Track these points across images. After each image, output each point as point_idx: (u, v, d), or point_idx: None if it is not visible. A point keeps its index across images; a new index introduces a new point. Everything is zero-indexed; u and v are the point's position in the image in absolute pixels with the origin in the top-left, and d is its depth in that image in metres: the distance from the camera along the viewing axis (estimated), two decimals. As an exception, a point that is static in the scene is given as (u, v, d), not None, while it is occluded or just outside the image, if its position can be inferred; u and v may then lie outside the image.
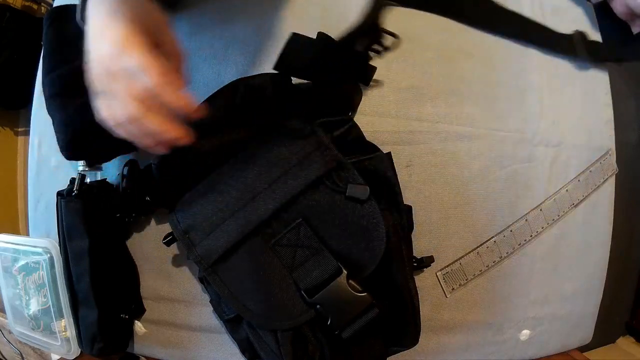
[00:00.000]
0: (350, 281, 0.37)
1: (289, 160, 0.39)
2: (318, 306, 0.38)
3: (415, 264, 0.46)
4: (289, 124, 0.41)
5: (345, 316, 0.37)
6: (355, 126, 0.44)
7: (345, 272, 0.37)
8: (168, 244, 0.43)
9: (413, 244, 0.50)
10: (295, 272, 0.38)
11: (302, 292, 0.38)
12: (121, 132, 0.33)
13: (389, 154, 0.44)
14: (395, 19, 0.43)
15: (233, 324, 0.44)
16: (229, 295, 0.39)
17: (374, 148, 0.43)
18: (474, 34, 0.53)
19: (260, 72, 0.41)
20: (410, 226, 0.46)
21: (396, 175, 0.43)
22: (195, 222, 0.40)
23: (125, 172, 0.45)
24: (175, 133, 0.33)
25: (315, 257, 0.38)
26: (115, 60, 0.31)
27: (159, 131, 0.32)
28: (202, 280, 0.45)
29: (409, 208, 0.46)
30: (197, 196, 0.41)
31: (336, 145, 0.39)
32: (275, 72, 0.40)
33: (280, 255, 0.39)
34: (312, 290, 0.38)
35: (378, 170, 0.41)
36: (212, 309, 0.50)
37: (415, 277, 0.51)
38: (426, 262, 0.48)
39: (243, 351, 0.46)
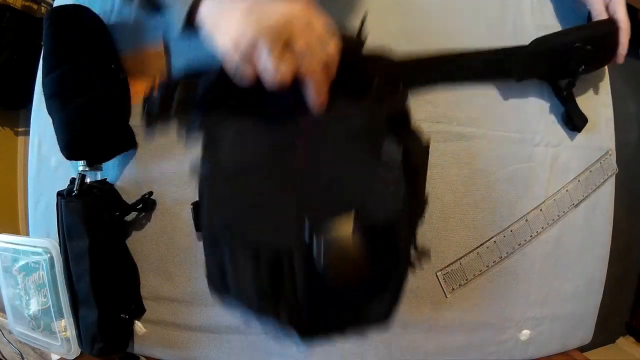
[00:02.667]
0: (355, 222, 0.36)
1: (345, 112, 0.40)
2: (311, 238, 0.37)
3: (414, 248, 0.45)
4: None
5: (335, 251, 0.36)
6: (404, 93, 0.44)
7: (353, 212, 0.36)
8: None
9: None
10: (305, 201, 0.38)
11: (307, 224, 0.37)
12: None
13: (419, 139, 0.44)
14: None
15: (214, 242, 0.43)
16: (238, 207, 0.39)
17: (415, 132, 0.44)
18: (474, 36, 0.53)
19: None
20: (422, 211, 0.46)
21: (426, 169, 0.44)
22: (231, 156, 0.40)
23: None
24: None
25: (330, 196, 0.38)
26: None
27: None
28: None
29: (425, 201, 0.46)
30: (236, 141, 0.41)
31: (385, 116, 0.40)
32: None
33: (299, 194, 0.38)
34: (316, 223, 0.37)
35: (411, 152, 0.41)
36: (212, 309, 0.50)
37: (415, 277, 0.51)
38: (425, 251, 0.46)
39: (209, 275, 0.44)
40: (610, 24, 0.53)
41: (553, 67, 0.53)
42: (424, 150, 0.44)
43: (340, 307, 0.41)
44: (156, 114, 0.45)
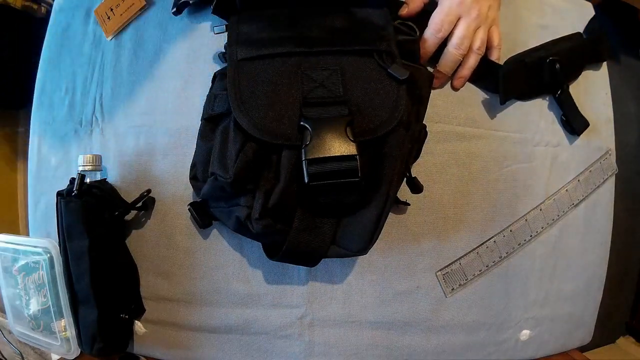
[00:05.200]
0: (349, 128, 0.37)
1: (356, 25, 0.43)
2: (306, 131, 0.37)
3: (407, 176, 0.46)
4: (371, 11, 0.44)
5: (324, 150, 0.36)
6: (417, 41, 0.46)
7: (349, 117, 0.37)
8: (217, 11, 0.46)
9: (413, 244, 0.50)
10: (307, 99, 0.39)
11: (302, 113, 0.38)
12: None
13: (431, 74, 0.46)
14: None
15: (210, 126, 0.44)
16: (236, 94, 0.39)
17: (421, 64, 0.46)
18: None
19: None
20: (418, 151, 0.47)
21: (429, 96, 0.45)
22: (251, 27, 0.43)
23: None
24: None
25: (330, 98, 0.39)
26: None
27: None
28: (215, 76, 0.46)
29: (425, 133, 0.47)
30: (263, 16, 0.44)
31: (397, 46, 0.43)
32: None
33: (302, 81, 0.40)
34: (311, 118, 0.38)
35: (417, 81, 0.43)
36: (212, 309, 0.50)
37: (415, 277, 0.51)
38: (417, 185, 0.46)
39: (193, 165, 0.45)
40: (579, 36, 0.54)
41: (531, 85, 0.54)
42: (429, 80, 0.46)
43: (319, 213, 0.40)
44: (196, 2, 0.48)
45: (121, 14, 0.54)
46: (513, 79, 0.51)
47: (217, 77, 0.46)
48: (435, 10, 0.47)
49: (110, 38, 0.54)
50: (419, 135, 0.46)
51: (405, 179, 0.45)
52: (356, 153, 0.36)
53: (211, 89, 0.46)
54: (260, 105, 0.39)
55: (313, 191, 0.37)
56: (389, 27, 0.43)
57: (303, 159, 0.36)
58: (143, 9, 0.53)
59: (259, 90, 0.39)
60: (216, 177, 0.40)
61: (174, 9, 0.50)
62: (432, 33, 0.47)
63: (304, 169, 0.36)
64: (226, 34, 0.44)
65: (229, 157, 0.39)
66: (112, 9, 0.54)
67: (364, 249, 0.41)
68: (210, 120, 0.43)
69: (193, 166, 0.45)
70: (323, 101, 0.39)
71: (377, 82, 0.40)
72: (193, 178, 0.45)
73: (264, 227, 0.39)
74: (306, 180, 0.36)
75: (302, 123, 0.37)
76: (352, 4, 0.44)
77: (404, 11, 0.47)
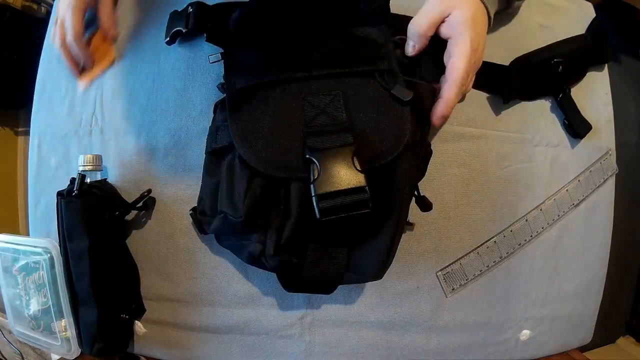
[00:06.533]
0: (355, 157, 0.36)
1: (356, 45, 0.42)
2: (312, 164, 0.36)
3: (415, 195, 0.45)
4: (369, 29, 0.43)
5: (332, 184, 0.35)
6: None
7: (355, 145, 0.36)
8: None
9: (413, 244, 0.50)
10: (310, 128, 0.38)
11: (306, 144, 0.37)
12: None
13: (433, 88, 0.44)
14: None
15: (214, 161, 0.43)
16: (238, 128, 0.39)
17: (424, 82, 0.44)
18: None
19: None
20: (423, 171, 0.46)
21: (430, 109, 0.44)
22: (247, 53, 0.42)
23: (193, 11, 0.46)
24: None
25: (334, 126, 0.38)
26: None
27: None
28: (216, 106, 0.45)
29: (430, 152, 0.46)
30: (259, 41, 0.42)
31: (398, 62, 0.42)
32: None
33: (304, 109, 0.39)
34: (316, 150, 0.37)
35: (421, 97, 0.42)
36: (212, 309, 0.50)
37: (415, 277, 0.51)
38: (427, 203, 0.46)
39: (200, 199, 0.44)
40: (583, 38, 0.54)
41: (536, 85, 0.53)
42: (432, 95, 0.44)
43: (332, 243, 0.40)
44: (189, 31, 0.47)
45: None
46: (518, 78, 0.51)
47: (219, 108, 0.44)
48: (455, 55, 0.40)
49: (83, 88, 0.54)
50: (425, 154, 0.45)
51: (414, 197, 0.45)
52: (365, 184, 0.36)
53: (213, 120, 0.45)
54: (264, 138, 0.38)
55: (324, 225, 0.36)
56: (389, 45, 0.43)
57: (313, 195, 0.36)
58: (113, 62, 0.53)
59: (261, 122, 0.39)
60: (226, 215, 0.39)
61: (167, 39, 0.49)
62: (457, 86, 0.40)
63: (315, 205, 0.36)
64: (222, 62, 0.43)
65: (237, 195, 0.38)
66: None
67: (379, 275, 0.41)
68: (214, 154, 0.43)
69: (200, 200, 0.44)
70: (326, 129, 0.38)
71: (380, 104, 0.39)
72: (201, 213, 0.44)
73: (279, 263, 0.39)
74: (317, 217, 0.36)
75: (307, 156, 0.37)
76: (350, 23, 0.43)
77: (411, 51, 0.44)
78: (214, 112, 0.45)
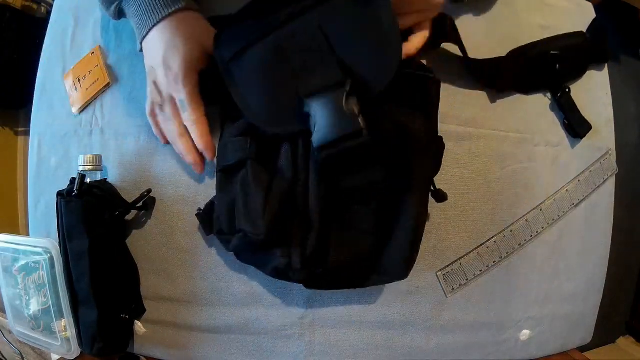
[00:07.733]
0: (351, 98, 0.35)
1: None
2: (309, 117, 0.36)
3: (432, 190, 0.44)
4: None
5: (330, 132, 0.35)
6: (434, 80, 0.44)
7: (348, 83, 0.35)
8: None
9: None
10: (300, 77, 0.37)
11: (299, 97, 0.36)
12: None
13: (439, 81, 0.43)
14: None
15: (226, 177, 0.43)
16: (236, 93, 0.39)
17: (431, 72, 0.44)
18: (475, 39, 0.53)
19: None
20: (437, 164, 0.45)
21: (438, 104, 0.44)
22: (230, 33, 0.40)
23: None
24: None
25: (322, 65, 0.37)
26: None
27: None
28: (223, 121, 0.45)
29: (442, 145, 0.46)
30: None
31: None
32: None
33: (291, 58, 0.37)
34: (309, 96, 0.36)
35: (430, 93, 0.42)
36: (212, 309, 0.50)
37: (415, 277, 0.51)
38: (442, 194, 0.45)
39: (217, 217, 0.44)
40: (582, 35, 0.54)
41: (532, 77, 0.53)
42: (438, 89, 0.44)
43: (356, 229, 0.40)
44: None
45: (87, 89, 0.54)
46: (514, 69, 0.51)
47: (226, 125, 0.44)
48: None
49: (76, 112, 0.54)
50: (438, 149, 0.45)
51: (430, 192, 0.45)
52: (362, 128, 0.35)
53: (221, 137, 0.45)
54: (261, 101, 0.39)
55: (334, 175, 0.37)
56: None
57: (314, 147, 0.36)
58: (107, 87, 0.53)
59: (254, 85, 0.39)
60: (245, 233, 0.39)
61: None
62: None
63: (316, 154, 0.36)
64: None
65: (253, 212, 0.39)
66: (79, 80, 0.54)
67: (404, 272, 0.42)
68: (226, 172, 0.43)
69: (217, 219, 0.44)
70: (316, 70, 0.36)
71: (359, 20, 0.37)
72: (219, 232, 0.44)
73: (307, 276, 0.40)
74: (320, 158, 0.36)
75: (304, 110, 0.36)
76: None
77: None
78: (221, 128, 0.46)
